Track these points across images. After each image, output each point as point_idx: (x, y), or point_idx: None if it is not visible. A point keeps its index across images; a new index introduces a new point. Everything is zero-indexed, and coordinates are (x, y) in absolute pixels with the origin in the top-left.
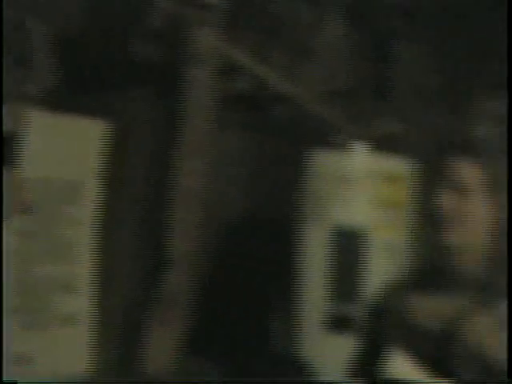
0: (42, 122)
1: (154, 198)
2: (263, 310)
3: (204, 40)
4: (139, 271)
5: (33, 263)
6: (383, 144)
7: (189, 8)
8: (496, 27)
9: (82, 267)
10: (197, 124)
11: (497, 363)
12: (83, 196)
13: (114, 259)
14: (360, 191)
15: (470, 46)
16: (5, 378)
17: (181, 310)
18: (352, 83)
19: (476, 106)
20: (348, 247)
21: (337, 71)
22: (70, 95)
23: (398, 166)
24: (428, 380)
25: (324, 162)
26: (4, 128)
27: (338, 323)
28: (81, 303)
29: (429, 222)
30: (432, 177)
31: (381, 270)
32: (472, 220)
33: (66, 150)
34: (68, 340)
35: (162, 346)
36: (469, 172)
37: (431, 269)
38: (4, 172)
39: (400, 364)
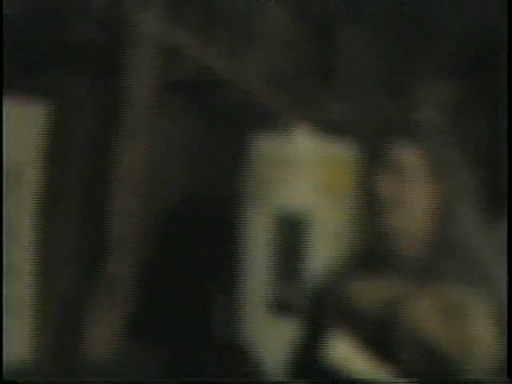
0: None
1: (94, 182)
2: (205, 294)
3: (146, 23)
4: (79, 256)
5: None
6: (326, 128)
7: None
8: (441, 12)
9: (22, 254)
10: (138, 107)
11: (437, 347)
12: (23, 179)
13: (54, 245)
14: (303, 175)
15: (414, 31)
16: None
17: (121, 295)
18: (295, 68)
19: (418, 91)
20: (290, 231)
21: (280, 56)
22: (11, 76)
23: (341, 150)
24: (369, 364)
25: (267, 147)
26: None
27: (281, 307)
28: (20, 290)
29: (369, 207)
30: (373, 161)
31: (323, 254)
32: (412, 205)
33: (6, 132)
34: (8, 328)
35: (102, 332)
36: (409, 157)
37: (372, 253)
38: None
39: (341, 348)
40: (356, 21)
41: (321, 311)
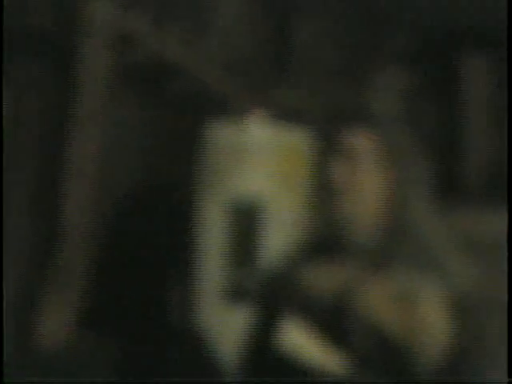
0: None
1: (47, 169)
2: (160, 282)
3: (100, 10)
4: (32, 243)
5: None
6: (281, 116)
7: None
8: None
9: None
10: (91, 95)
11: (389, 333)
12: None
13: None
14: (258, 163)
15: (370, 19)
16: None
17: (75, 285)
18: (250, 55)
19: (373, 78)
20: (245, 219)
21: (235, 43)
22: None
23: (296, 138)
24: (322, 350)
25: (222, 134)
26: None
27: (236, 294)
28: None
29: (323, 194)
30: (327, 149)
31: (277, 241)
32: (365, 191)
33: None
34: None
35: (56, 320)
36: (363, 144)
37: (326, 240)
38: None
39: (295, 334)
40: (311, 8)
41: (275, 298)
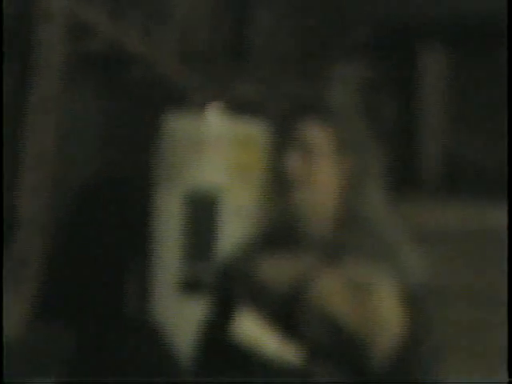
0: None
1: (1, 159)
2: (116, 273)
3: None
4: None
5: None
6: (237, 107)
7: None
8: None
9: None
10: (47, 84)
11: (344, 323)
12: None
13: None
14: (214, 154)
15: (329, 11)
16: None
17: (31, 276)
18: (209, 46)
19: (329, 69)
20: (202, 210)
21: (193, 33)
22: None
23: (252, 128)
24: (278, 342)
25: (179, 126)
26: None
27: (192, 285)
28: None
29: (279, 185)
30: (283, 140)
31: (233, 232)
32: (320, 182)
33: None
34: None
35: (11, 313)
36: (317, 134)
37: (281, 231)
38: None
39: (250, 326)
40: (271, 2)
41: (231, 289)
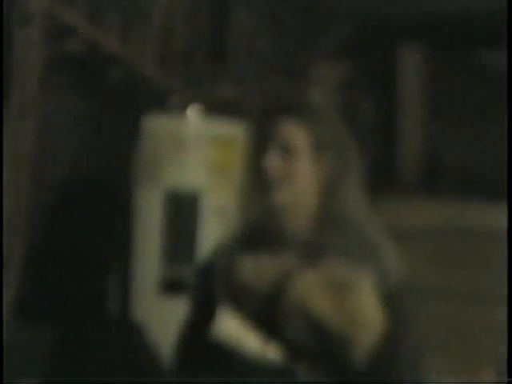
0: None
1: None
2: (96, 273)
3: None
4: None
5: None
6: (217, 107)
7: None
8: None
9: None
10: (25, 85)
11: (325, 322)
12: None
13: None
14: (194, 155)
15: (308, 13)
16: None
17: (12, 275)
18: (187, 47)
19: (308, 71)
20: (182, 210)
21: (172, 34)
22: None
23: (231, 129)
24: (258, 341)
25: (159, 126)
26: None
27: (172, 285)
28: None
29: (258, 184)
30: (261, 139)
31: (213, 232)
32: (299, 181)
33: None
34: None
35: None
36: (295, 133)
37: (261, 230)
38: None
39: (231, 325)
40: (250, 3)
41: (211, 289)
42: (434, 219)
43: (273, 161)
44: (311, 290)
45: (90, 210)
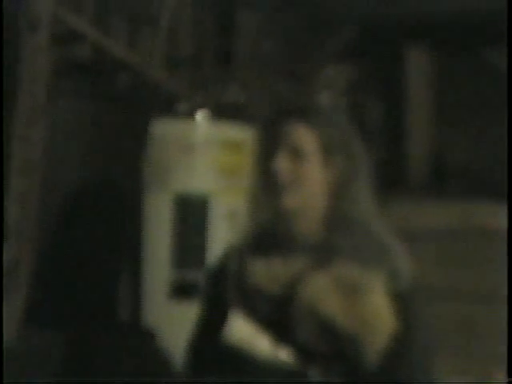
0: None
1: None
2: (107, 278)
3: (42, 6)
4: None
5: None
6: (225, 111)
7: None
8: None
9: None
10: (34, 91)
11: (336, 324)
12: None
13: None
14: (203, 159)
15: (314, 15)
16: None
17: (22, 281)
18: (195, 51)
19: (315, 73)
20: (192, 214)
21: (179, 39)
22: None
23: (240, 132)
24: (270, 344)
25: (167, 130)
26: None
27: (182, 289)
28: None
29: (267, 187)
30: (270, 142)
31: (223, 235)
32: (308, 183)
33: None
34: None
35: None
36: (304, 136)
37: (271, 233)
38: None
39: (243, 328)
40: (257, 6)
41: (222, 292)
42: (443, 219)
43: (282, 164)
44: (322, 292)
45: (99, 215)
